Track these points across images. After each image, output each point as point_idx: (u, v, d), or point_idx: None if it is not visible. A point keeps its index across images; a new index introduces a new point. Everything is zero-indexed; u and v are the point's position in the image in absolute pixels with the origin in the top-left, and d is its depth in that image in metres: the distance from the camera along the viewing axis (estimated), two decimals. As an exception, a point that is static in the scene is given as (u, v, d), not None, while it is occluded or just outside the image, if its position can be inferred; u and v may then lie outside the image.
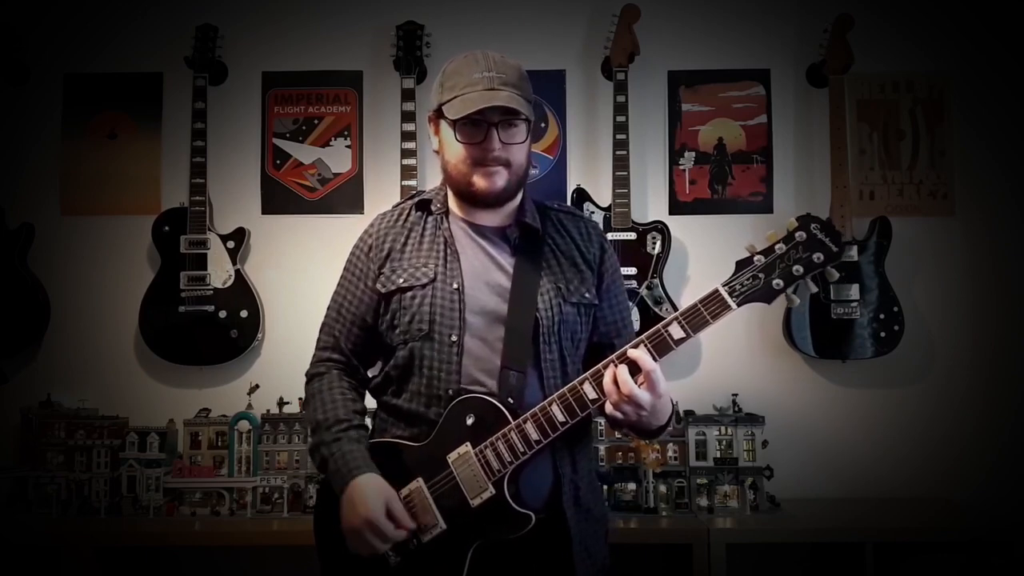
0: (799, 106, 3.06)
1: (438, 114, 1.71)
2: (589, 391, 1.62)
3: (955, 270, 3.00)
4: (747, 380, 2.92)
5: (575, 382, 1.64)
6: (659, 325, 1.62)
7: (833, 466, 2.93)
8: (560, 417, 1.62)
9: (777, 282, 1.60)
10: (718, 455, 2.72)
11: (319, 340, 1.84)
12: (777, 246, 1.60)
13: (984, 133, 3.02)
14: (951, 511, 2.74)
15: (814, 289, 1.67)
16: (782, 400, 2.93)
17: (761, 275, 1.60)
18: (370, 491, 1.63)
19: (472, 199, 1.72)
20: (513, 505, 1.63)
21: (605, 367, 1.61)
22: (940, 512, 2.72)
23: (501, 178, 1.68)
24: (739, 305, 1.61)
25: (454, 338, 1.67)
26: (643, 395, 1.57)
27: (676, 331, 1.61)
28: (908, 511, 2.73)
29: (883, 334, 2.87)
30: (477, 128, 1.66)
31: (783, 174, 3.04)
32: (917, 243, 2.98)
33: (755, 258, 1.61)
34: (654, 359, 1.58)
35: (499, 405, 1.65)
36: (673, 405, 1.70)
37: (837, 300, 2.84)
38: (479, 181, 1.68)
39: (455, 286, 1.69)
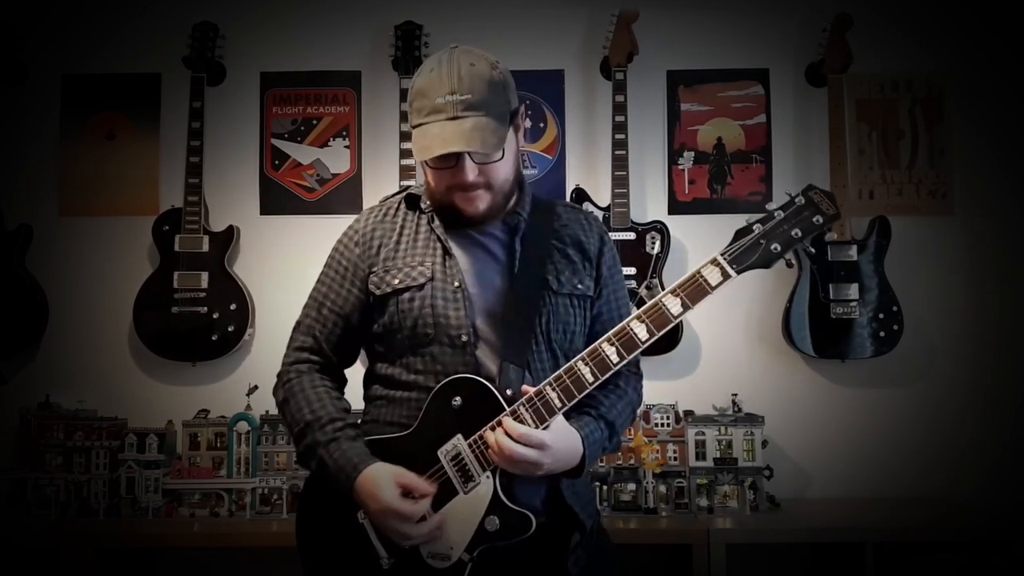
0: (798, 106, 3.05)
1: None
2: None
3: (954, 269, 3.00)
4: (747, 380, 2.92)
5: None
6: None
7: (833, 466, 2.93)
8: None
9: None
10: (718, 455, 2.72)
11: (293, 339, 1.75)
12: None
13: (983, 132, 3.02)
14: (951, 511, 2.73)
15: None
16: (782, 400, 2.93)
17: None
18: (378, 480, 1.54)
19: (461, 220, 1.66)
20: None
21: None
22: (940, 512, 2.71)
23: (483, 201, 1.62)
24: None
25: (464, 338, 1.60)
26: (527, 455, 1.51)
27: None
28: (908, 511, 2.72)
29: (882, 333, 2.86)
30: (447, 157, 1.56)
31: (782, 174, 3.04)
32: (916, 242, 2.98)
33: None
34: (544, 419, 1.54)
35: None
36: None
37: (836, 300, 2.84)
38: (463, 206, 1.62)
39: (456, 284, 1.63)
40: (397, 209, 1.74)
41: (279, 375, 1.74)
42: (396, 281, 1.65)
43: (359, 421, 1.72)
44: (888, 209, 2.97)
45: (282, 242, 3.04)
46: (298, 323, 1.77)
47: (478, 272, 1.65)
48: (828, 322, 2.85)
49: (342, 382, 1.77)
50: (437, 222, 1.68)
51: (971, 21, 3.03)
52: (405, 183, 2.85)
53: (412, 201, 1.73)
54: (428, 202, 1.70)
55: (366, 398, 1.75)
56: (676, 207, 3.04)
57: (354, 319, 1.70)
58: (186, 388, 2.98)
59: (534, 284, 1.64)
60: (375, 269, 1.68)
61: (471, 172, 1.58)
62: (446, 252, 1.65)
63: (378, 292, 1.66)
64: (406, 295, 1.63)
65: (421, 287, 1.63)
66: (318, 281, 1.76)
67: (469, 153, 1.56)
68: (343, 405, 1.69)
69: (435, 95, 1.54)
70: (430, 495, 1.56)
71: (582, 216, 1.79)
